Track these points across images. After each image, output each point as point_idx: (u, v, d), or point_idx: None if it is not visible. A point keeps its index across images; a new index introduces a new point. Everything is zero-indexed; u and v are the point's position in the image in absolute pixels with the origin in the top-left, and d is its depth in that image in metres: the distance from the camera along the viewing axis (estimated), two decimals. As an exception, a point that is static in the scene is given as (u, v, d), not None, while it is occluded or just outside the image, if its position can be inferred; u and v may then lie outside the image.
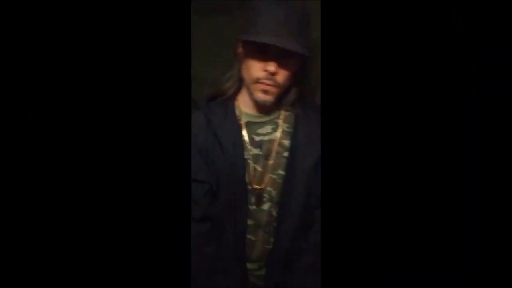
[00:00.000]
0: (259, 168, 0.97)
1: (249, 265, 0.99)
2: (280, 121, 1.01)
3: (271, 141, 0.99)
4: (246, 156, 0.97)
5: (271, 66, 0.92)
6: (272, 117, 1.01)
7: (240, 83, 1.00)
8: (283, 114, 1.01)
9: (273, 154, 0.98)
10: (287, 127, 1.00)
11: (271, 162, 0.98)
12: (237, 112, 1.01)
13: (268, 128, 1.00)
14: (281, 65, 0.93)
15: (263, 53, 0.92)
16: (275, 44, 0.88)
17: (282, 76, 0.94)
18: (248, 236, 0.97)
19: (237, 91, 1.02)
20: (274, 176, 0.97)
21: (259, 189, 0.97)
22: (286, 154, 0.98)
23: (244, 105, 1.01)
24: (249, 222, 0.97)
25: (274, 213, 0.97)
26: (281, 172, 0.97)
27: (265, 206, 0.98)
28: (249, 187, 0.97)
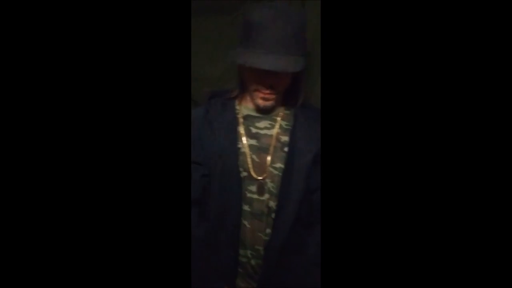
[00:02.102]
0: (256, 159, 0.99)
1: (242, 251, 1.00)
2: (278, 118, 1.02)
3: (268, 136, 1.01)
4: (240, 145, 0.99)
5: (270, 80, 0.95)
6: (270, 114, 1.03)
7: (242, 87, 1.03)
8: (282, 112, 1.03)
9: (271, 148, 0.99)
10: (286, 125, 1.02)
11: (269, 155, 0.99)
12: (237, 107, 1.03)
13: (265, 123, 1.02)
14: (278, 77, 0.95)
15: (259, 69, 0.93)
16: (271, 69, 0.90)
17: (280, 85, 0.98)
18: (244, 221, 0.98)
19: (240, 94, 1.05)
20: (273, 170, 0.99)
21: (260, 179, 0.98)
22: (286, 149, 1.00)
23: (245, 103, 1.04)
24: (245, 208, 0.99)
25: (272, 205, 0.98)
26: (281, 165, 0.99)
27: (265, 197, 0.99)
28: (246, 175, 0.98)
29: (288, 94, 1.02)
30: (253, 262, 0.99)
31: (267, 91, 0.96)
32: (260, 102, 0.98)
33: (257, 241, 0.99)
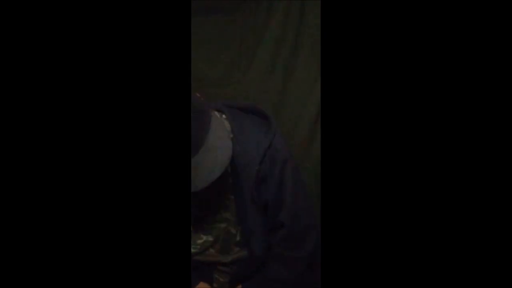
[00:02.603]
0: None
1: (199, 241, 0.99)
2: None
3: None
4: None
5: None
6: None
7: None
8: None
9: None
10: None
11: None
12: None
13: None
14: None
15: None
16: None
17: None
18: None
19: None
20: (226, 201, 0.97)
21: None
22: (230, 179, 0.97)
23: None
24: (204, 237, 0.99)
25: (233, 231, 0.98)
26: (231, 196, 0.97)
27: (220, 225, 0.98)
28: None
29: None
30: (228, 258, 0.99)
31: None
32: None
33: (219, 264, 0.99)
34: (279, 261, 0.98)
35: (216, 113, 0.94)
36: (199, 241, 0.99)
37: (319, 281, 0.86)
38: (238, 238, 0.98)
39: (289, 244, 0.97)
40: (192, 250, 0.99)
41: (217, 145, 0.84)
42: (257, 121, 0.97)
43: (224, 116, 0.96)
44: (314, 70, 1.15)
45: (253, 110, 0.99)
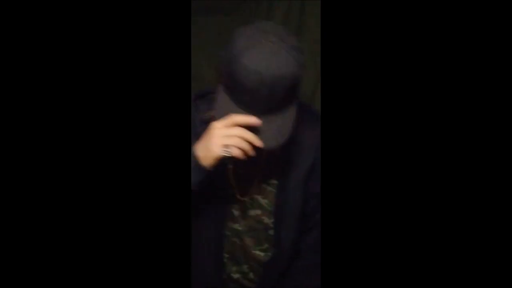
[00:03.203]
0: (243, 176, 0.91)
1: (235, 268, 0.95)
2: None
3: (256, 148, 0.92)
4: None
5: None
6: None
7: None
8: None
9: (260, 162, 0.90)
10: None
11: (258, 171, 0.91)
12: None
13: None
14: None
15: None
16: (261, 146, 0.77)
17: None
18: (233, 239, 0.93)
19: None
20: (265, 186, 0.92)
21: (244, 199, 0.91)
22: (269, 231, 0.93)
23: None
24: (233, 226, 0.93)
25: (267, 221, 0.93)
26: (274, 181, 0.92)
27: (254, 213, 0.93)
28: (231, 192, 0.92)
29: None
30: (251, 275, 0.95)
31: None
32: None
33: (252, 258, 0.94)
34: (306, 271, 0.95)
35: None
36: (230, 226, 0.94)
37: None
38: (271, 232, 0.93)
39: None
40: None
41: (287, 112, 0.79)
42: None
43: None
44: (314, 71, 1.15)
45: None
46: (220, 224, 0.92)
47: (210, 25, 1.21)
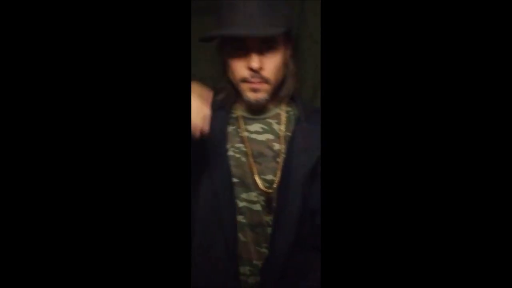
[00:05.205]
0: (244, 167, 0.91)
1: (240, 269, 0.92)
2: (273, 122, 0.94)
3: (258, 142, 0.93)
4: (230, 149, 0.91)
5: (254, 62, 0.85)
6: (265, 115, 0.94)
7: (234, 88, 0.94)
8: (282, 116, 0.95)
9: (261, 156, 0.91)
10: (283, 131, 0.94)
11: (256, 164, 0.91)
12: (233, 107, 0.96)
13: (257, 127, 0.94)
14: (265, 58, 0.87)
15: (242, 49, 0.86)
16: (248, 34, 0.82)
17: (269, 70, 0.88)
18: (238, 234, 0.91)
19: (236, 100, 0.95)
20: (261, 181, 0.91)
21: (266, 192, 0.90)
22: (278, 159, 0.91)
23: (240, 102, 0.96)
24: (239, 218, 0.92)
25: (267, 219, 0.92)
26: (272, 177, 0.91)
27: (257, 207, 0.92)
28: (238, 181, 0.91)
29: (283, 87, 0.94)
30: (251, 280, 0.92)
31: (256, 80, 0.87)
32: (250, 95, 0.89)
33: (254, 256, 0.92)
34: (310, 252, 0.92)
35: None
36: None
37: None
38: (269, 231, 0.91)
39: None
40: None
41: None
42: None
43: None
44: (314, 71, 1.15)
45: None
46: (231, 216, 0.91)
47: (210, 25, 1.21)
